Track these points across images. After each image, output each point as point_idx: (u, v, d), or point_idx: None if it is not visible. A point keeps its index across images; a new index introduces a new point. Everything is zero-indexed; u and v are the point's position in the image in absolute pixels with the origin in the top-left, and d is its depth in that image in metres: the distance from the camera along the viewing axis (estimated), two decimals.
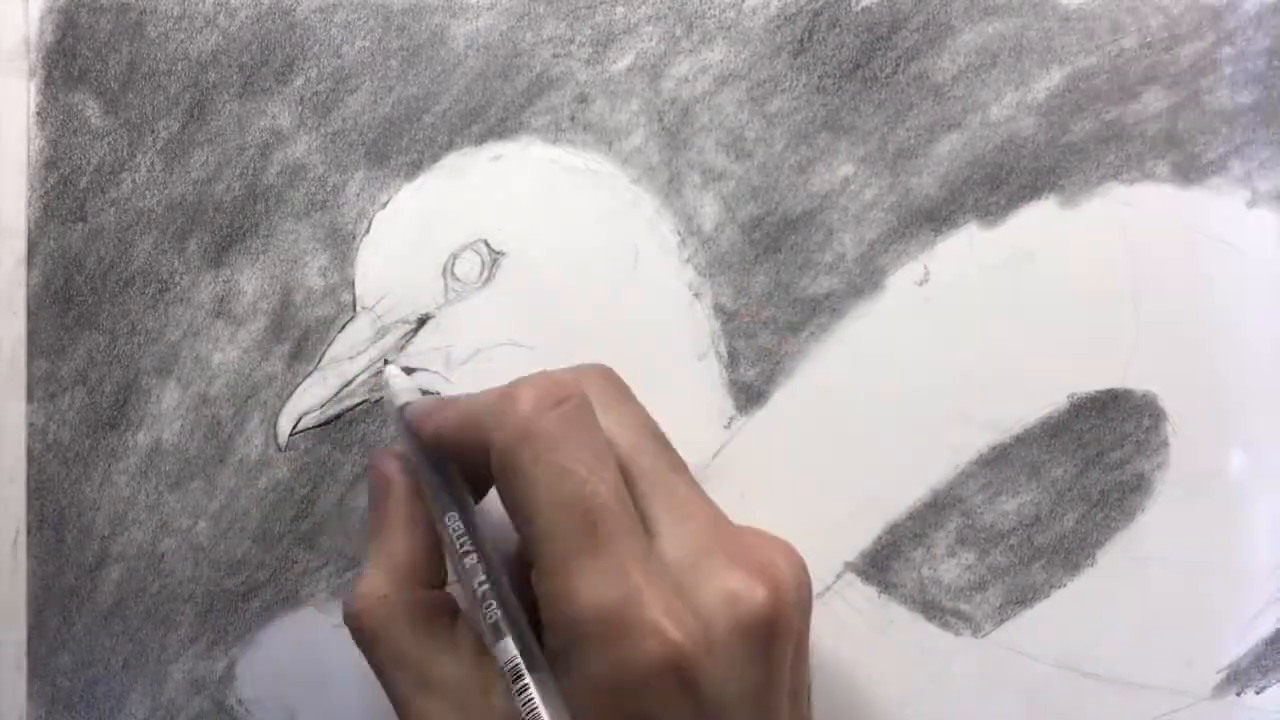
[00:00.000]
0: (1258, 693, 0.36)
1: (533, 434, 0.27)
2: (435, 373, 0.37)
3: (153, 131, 0.38)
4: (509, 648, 0.28)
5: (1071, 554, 0.36)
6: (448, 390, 0.37)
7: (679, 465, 0.31)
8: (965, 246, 0.37)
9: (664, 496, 0.29)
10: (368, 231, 0.38)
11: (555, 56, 0.37)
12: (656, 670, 0.26)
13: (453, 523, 0.30)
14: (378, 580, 0.31)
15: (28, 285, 0.38)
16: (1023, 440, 0.37)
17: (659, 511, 0.29)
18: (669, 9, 0.37)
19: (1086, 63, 0.37)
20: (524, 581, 0.29)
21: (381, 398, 0.37)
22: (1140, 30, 0.37)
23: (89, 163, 0.38)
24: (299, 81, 0.38)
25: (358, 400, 0.37)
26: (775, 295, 0.37)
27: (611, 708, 0.27)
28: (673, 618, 0.27)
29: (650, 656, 0.26)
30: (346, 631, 0.38)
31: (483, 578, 0.29)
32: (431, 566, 0.31)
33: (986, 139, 0.37)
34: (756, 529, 0.31)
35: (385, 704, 0.37)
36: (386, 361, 0.37)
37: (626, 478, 0.29)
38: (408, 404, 0.33)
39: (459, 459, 0.31)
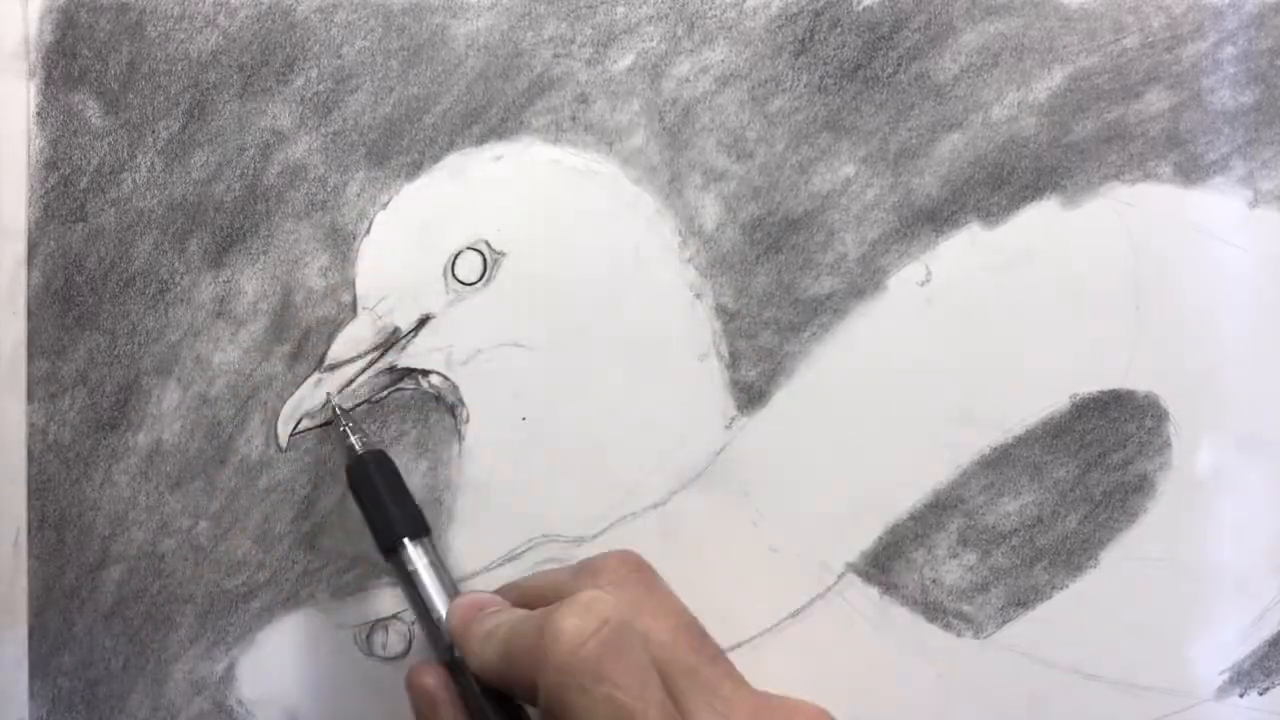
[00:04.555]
0: (1261, 694, 0.36)
1: (576, 669, 0.28)
2: (436, 373, 0.37)
3: (153, 131, 0.38)
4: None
5: (1074, 555, 0.36)
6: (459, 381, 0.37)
7: (717, 656, 0.32)
8: (967, 246, 0.37)
9: (706, 696, 0.30)
10: (368, 232, 0.38)
11: (556, 56, 0.37)
12: None
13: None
14: None
15: (28, 285, 0.38)
16: (1025, 441, 0.36)
17: (704, 715, 0.30)
18: (670, 9, 0.37)
19: (1088, 62, 0.37)
20: None
21: (381, 399, 0.37)
22: (1142, 30, 0.37)
23: (89, 163, 0.38)
24: (299, 81, 0.38)
25: (358, 401, 0.37)
26: (776, 295, 0.37)
27: None
28: None
29: None
30: (346, 632, 0.38)
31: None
32: None
33: (988, 139, 0.37)
34: (796, 701, 0.31)
35: (385, 704, 0.37)
36: (339, 419, 0.37)
37: (667, 675, 0.29)
38: (443, 613, 0.33)
39: (506, 688, 0.31)
